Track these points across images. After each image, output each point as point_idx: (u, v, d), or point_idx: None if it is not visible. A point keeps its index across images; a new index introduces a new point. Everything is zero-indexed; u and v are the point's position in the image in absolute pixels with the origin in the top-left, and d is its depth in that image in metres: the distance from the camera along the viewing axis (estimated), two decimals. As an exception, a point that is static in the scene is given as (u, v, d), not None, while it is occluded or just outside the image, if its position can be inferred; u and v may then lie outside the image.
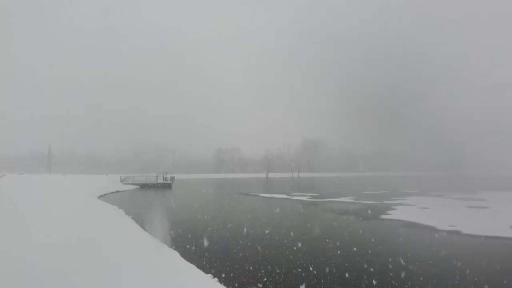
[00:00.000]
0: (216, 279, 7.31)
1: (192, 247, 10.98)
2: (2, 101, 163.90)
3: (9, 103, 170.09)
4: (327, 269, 8.54)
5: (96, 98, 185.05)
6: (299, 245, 11.26)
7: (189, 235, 13.12)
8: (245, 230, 13.89)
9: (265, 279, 7.93)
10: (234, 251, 10.69)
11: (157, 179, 52.34)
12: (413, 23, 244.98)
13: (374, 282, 7.65)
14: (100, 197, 32.32)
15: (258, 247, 11.14)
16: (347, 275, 8.20)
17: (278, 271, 8.53)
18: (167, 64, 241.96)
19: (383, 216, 18.14)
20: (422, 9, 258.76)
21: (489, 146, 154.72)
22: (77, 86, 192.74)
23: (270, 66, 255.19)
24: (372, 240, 12.36)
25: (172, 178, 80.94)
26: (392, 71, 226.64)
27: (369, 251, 10.51)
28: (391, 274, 8.24)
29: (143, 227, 13.73)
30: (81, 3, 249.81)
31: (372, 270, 8.58)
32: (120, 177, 51.53)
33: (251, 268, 8.77)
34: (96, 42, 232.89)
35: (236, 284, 7.52)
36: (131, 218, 16.95)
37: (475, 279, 8.00)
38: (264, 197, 32.02)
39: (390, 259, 9.42)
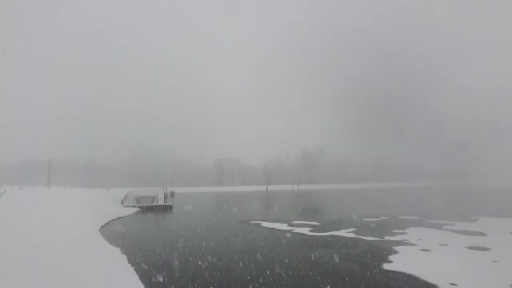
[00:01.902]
0: None
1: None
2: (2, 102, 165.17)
3: (9, 104, 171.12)
4: None
5: (96, 99, 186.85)
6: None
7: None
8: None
9: None
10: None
11: (157, 200, 52.44)
12: (413, 26, 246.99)
13: None
14: (102, 228, 32.45)
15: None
16: None
17: None
18: (166, 65, 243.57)
19: (385, 266, 18.21)
20: (421, 11, 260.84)
21: (492, 151, 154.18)
22: (76, 87, 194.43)
23: (270, 70, 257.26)
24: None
25: (173, 193, 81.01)
26: (393, 75, 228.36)
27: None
28: None
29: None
30: (81, 3, 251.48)
31: None
32: (121, 200, 51.58)
33: None
34: (96, 43, 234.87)
35: None
36: (134, 269, 17.10)
37: None
38: (265, 228, 32.10)
39: None
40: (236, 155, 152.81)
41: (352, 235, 27.87)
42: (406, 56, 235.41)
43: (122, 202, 51.10)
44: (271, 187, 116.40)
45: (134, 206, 49.17)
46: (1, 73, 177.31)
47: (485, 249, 22.35)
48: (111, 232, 29.80)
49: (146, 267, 17.90)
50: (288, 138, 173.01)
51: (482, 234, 28.13)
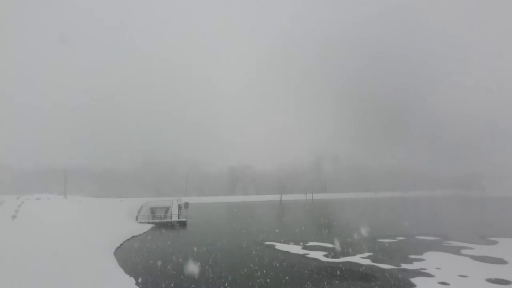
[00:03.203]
0: None
1: None
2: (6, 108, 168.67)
3: (22, 108, 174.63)
4: None
5: (106, 104, 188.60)
6: None
7: None
8: None
9: None
10: None
11: (171, 216, 52.67)
12: (415, 27, 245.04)
13: None
14: (117, 249, 32.72)
15: None
16: None
17: None
18: (175, 68, 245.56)
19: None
20: (422, 12, 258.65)
21: (508, 155, 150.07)
22: (86, 91, 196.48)
23: (277, 72, 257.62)
24: None
25: (186, 205, 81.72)
26: (403, 76, 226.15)
27: None
28: None
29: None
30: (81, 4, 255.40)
31: None
32: (136, 216, 51.98)
33: None
34: (105, 45, 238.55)
35: None
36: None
37: None
38: (279, 251, 31.88)
39: None
40: (248, 160, 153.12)
41: (368, 261, 27.42)
42: (414, 56, 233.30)
43: (137, 218, 51.45)
44: (284, 197, 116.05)
45: (148, 223, 49.49)
46: (5, 75, 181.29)
47: (507, 282, 21.70)
48: (126, 256, 29.90)
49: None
50: (301, 142, 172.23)
51: (503, 262, 27.34)
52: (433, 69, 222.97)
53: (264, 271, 24.71)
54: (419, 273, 23.94)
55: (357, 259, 28.38)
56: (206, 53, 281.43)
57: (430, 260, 27.69)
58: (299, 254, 30.34)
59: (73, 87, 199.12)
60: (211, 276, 23.32)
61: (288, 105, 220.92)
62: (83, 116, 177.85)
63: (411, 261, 27.55)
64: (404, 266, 25.97)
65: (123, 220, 49.63)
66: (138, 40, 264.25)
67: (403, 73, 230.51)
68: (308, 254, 30.43)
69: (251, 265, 26.45)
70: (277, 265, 26.43)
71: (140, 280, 21.99)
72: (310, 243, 35.44)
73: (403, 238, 38.68)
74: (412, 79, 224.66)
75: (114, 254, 30.45)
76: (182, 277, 23.23)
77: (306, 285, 21.31)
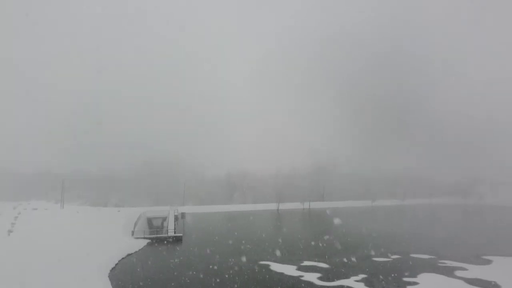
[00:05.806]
0: None
1: None
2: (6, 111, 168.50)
3: (10, 112, 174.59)
4: None
5: (105, 108, 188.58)
6: None
7: None
8: None
9: None
10: None
11: (167, 231, 52.65)
12: (415, 27, 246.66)
13: None
14: (112, 270, 32.71)
15: None
16: None
17: None
18: (175, 68, 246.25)
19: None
20: (422, 12, 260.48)
21: (507, 157, 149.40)
22: (86, 96, 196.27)
23: (277, 77, 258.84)
24: None
25: (183, 215, 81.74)
26: (400, 75, 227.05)
27: None
28: None
29: None
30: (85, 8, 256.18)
31: None
32: (132, 232, 51.88)
33: None
34: (100, 51, 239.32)
35: None
36: None
37: None
38: (273, 272, 31.86)
39: None
40: (246, 164, 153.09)
41: (361, 285, 27.47)
42: (414, 56, 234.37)
43: (133, 233, 51.36)
44: (282, 206, 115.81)
45: (144, 238, 49.53)
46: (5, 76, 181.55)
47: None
48: (120, 279, 29.75)
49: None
50: (300, 144, 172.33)
51: (496, 286, 27.46)
52: (433, 69, 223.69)
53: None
54: (412, 299, 24.04)
55: (351, 282, 28.44)
56: (206, 53, 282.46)
57: (424, 284, 27.81)
58: (293, 276, 30.37)
59: (73, 89, 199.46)
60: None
61: (288, 105, 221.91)
62: (82, 118, 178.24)
63: (404, 284, 27.65)
64: (397, 290, 26.07)
65: (119, 234, 49.40)
66: (136, 44, 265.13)
67: (403, 73, 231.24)
68: (302, 276, 30.48)
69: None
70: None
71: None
72: (305, 263, 35.46)
73: (398, 256, 38.73)
74: (412, 79, 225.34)
75: (108, 276, 30.42)
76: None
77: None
